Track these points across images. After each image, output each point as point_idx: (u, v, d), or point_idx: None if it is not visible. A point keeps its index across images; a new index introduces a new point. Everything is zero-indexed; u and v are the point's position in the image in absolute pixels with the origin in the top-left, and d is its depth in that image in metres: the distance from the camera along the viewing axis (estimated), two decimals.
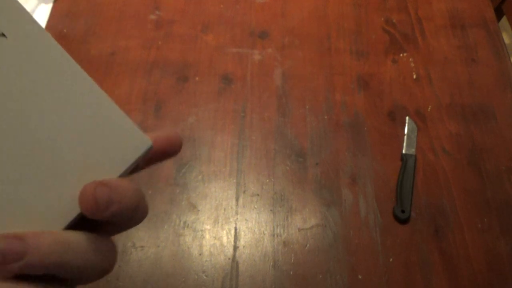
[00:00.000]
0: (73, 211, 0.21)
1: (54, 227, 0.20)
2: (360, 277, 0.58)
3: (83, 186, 0.20)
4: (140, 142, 0.22)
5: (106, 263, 0.22)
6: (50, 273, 0.19)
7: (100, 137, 0.21)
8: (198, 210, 0.62)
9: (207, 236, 0.60)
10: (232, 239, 0.60)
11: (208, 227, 0.61)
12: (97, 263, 0.21)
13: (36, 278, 0.19)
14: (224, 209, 0.62)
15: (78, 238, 0.20)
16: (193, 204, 0.62)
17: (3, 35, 0.20)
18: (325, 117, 0.70)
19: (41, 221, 0.20)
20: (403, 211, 0.61)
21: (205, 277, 0.57)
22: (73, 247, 0.20)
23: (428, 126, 0.70)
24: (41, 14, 0.82)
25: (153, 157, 0.24)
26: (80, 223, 0.21)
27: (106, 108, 0.22)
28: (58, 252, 0.19)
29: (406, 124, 0.70)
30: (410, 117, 0.70)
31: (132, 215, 0.21)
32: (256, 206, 0.62)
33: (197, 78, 0.74)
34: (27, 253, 0.18)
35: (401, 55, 0.77)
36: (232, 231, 0.61)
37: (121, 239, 0.59)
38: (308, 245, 0.60)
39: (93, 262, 0.21)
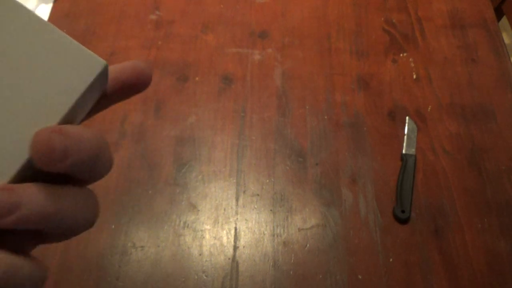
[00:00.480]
0: (20, 160, 0.18)
1: (3, 175, 0.18)
2: (360, 277, 0.58)
3: (35, 133, 0.17)
4: (93, 63, 0.20)
5: (92, 214, 0.20)
6: (43, 227, 0.18)
7: (46, 67, 0.19)
8: (198, 210, 0.62)
9: (207, 236, 0.60)
10: (232, 239, 0.60)
11: (208, 227, 0.61)
12: (84, 214, 0.20)
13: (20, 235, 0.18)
14: (224, 209, 0.62)
15: (65, 189, 0.19)
16: (193, 204, 0.62)
17: None
18: (325, 117, 0.70)
19: None
20: (403, 211, 0.61)
21: (205, 277, 0.57)
22: (64, 198, 0.18)
23: (428, 126, 0.70)
24: (41, 14, 0.82)
25: (120, 89, 0.22)
26: (33, 177, 0.19)
27: (47, 35, 0.19)
28: (51, 203, 0.18)
29: (406, 124, 0.70)
30: (410, 117, 0.70)
31: (91, 167, 0.19)
32: (256, 206, 0.62)
33: (197, 78, 0.74)
34: (21, 204, 0.17)
35: (401, 55, 0.77)
36: (232, 231, 0.61)
37: (121, 239, 0.59)
38: (308, 245, 0.60)
39: (81, 213, 0.19)
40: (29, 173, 0.19)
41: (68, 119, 0.20)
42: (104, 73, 0.20)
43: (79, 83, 0.19)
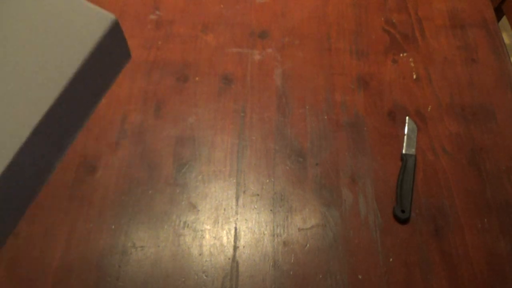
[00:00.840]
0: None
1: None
2: (360, 277, 0.58)
3: None
4: (101, 19, 0.19)
5: None
6: None
7: (53, 26, 0.18)
8: (198, 210, 0.62)
9: (207, 236, 0.60)
10: (232, 239, 0.60)
11: (208, 227, 0.61)
12: None
13: None
14: (224, 209, 0.62)
15: None
16: (193, 204, 0.62)
17: None
18: (325, 117, 0.70)
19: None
20: (403, 211, 0.61)
21: (205, 277, 0.57)
22: None
23: (428, 126, 0.70)
24: None
25: None
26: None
27: None
28: None
29: (406, 124, 0.70)
30: (410, 117, 0.70)
31: None
32: (256, 206, 0.62)
33: (197, 78, 0.74)
34: None
35: (401, 55, 0.77)
36: (232, 231, 0.61)
37: (121, 239, 0.59)
38: (308, 245, 0.60)
39: None
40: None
41: (79, 81, 0.18)
42: (115, 31, 0.19)
43: (86, 41, 0.18)
